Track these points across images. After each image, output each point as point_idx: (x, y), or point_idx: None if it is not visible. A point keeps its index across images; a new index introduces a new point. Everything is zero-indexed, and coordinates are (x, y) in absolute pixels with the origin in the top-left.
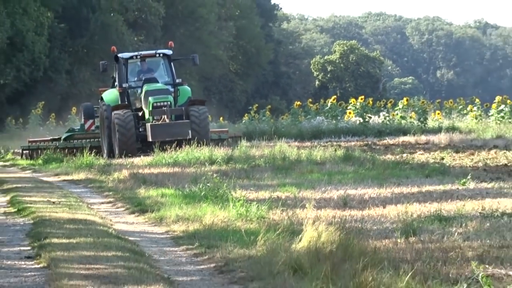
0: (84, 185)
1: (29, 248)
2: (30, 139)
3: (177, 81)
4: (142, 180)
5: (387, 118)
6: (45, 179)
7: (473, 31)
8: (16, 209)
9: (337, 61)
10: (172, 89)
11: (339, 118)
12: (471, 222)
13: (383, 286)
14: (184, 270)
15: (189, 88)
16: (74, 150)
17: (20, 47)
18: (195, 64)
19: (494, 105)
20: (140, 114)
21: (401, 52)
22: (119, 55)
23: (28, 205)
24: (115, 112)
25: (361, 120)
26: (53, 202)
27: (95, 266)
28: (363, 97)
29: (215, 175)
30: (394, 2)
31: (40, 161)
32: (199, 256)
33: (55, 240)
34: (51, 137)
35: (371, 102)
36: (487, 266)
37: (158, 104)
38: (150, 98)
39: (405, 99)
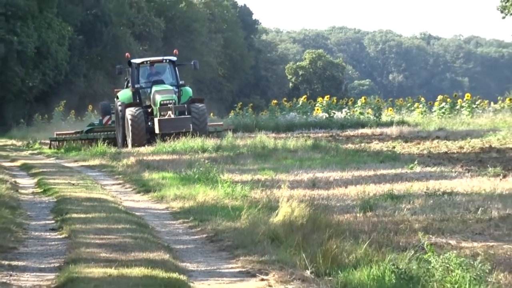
0: (98, 170)
1: (53, 221)
2: (58, 132)
3: (181, 82)
4: (146, 166)
5: (348, 114)
6: (66, 164)
7: (419, 41)
8: (42, 190)
9: (307, 66)
10: (176, 90)
11: (308, 113)
12: (417, 199)
13: (345, 253)
14: (181, 239)
15: (190, 89)
16: (94, 141)
17: (46, 55)
18: (195, 68)
19: (436, 103)
20: (149, 110)
21: (360, 59)
22: (132, 60)
23: (52, 186)
24: (128, 108)
25: (327, 116)
26: (73, 184)
27: (108, 237)
28: (328, 96)
29: (206, 161)
30: (354, 17)
31: (62, 150)
32: (193, 228)
33: (74, 215)
34: (75, 130)
35: (335, 101)
36: (430, 236)
37: (165, 102)
38: (158, 97)
39: (363, 98)
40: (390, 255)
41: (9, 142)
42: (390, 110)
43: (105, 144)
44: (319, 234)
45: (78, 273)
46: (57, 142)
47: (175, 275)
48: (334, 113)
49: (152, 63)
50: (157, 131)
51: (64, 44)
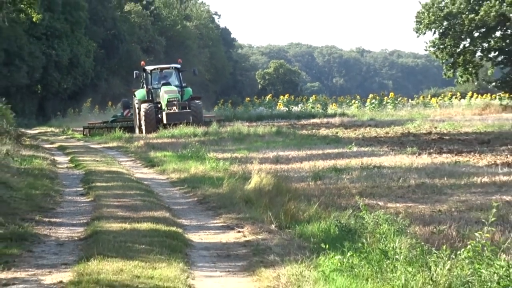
0: (116, 150)
1: (82, 189)
2: (89, 122)
3: (183, 85)
4: (152, 147)
5: (303, 108)
6: (92, 146)
7: (355, 54)
8: (74, 165)
9: (272, 73)
10: (180, 90)
11: (273, 108)
12: (354, 171)
13: (301, 211)
14: (178, 202)
15: (190, 89)
16: (116, 129)
17: (76, 64)
18: (195, 74)
19: (368, 100)
20: (159, 106)
21: (311, 67)
22: (146, 67)
23: (81, 162)
24: (143, 104)
25: (287, 109)
26: (97, 160)
27: (123, 200)
28: (287, 95)
29: (197, 143)
30: (307, 36)
31: (89, 135)
32: (187, 193)
33: (98, 184)
34: (102, 121)
35: (293, 98)
36: (364, 198)
37: (171, 99)
38: (166, 96)
39: (313, 96)
40: (334, 213)
41: (49, 129)
42: (334, 105)
43: (124, 132)
44: (281, 198)
45: (101, 227)
46: (88, 130)
47: (173, 228)
48: (292, 107)
49: (161, 69)
50: (165, 121)
51: (90, 56)
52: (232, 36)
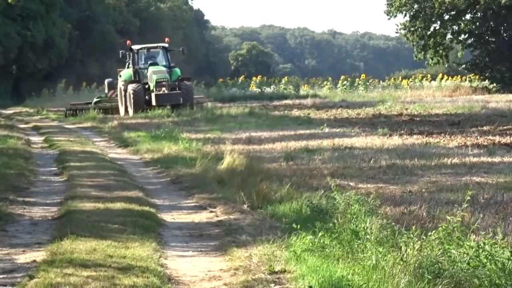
0: (90, 130)
1: (56, 168)
2: (72, 102)
3: (172, 65)
4: (125, 127)
5: (275, 89)
6: (66, 126)
7: (327, 36)
8: (48, 145)
9: (245, 54)
10: (168, 70)
11: (246, 89)
12: (326, 152)
13: (273, 192)
14: (151, 182)
15: (179, 70)
16: (101, 110)
17: (51, 45)
18: (183, 53)
19: (340, 81)
20: (146, 87)
21: (284, 48)
22: (133, 46)
23: (56, 142)
24: (130, 85)
25: (259, 90)
26: (71, 140)
27: (96, 179)
28: (260, 76)
29: (170, 124)
30: (279, 18)
31: (63, 115)
32: (161, 173)
33: (72, 164)
34: (86, 102)
35: (265, 79)
36: (336, 179)
37: (160, 80)
38: (154, 76)
39: (286, 77)
40: (306, 193)
41: (24, 109)
42: (306, 86)
43: (107, 113)
44: (254, 178)
45: (74, 207)
46: (71, 111)
47: (146, 208)
48: (265, 89)
49: (148, 48)
50: (154, 103)
51: (65, 37)
52: (205, 18)
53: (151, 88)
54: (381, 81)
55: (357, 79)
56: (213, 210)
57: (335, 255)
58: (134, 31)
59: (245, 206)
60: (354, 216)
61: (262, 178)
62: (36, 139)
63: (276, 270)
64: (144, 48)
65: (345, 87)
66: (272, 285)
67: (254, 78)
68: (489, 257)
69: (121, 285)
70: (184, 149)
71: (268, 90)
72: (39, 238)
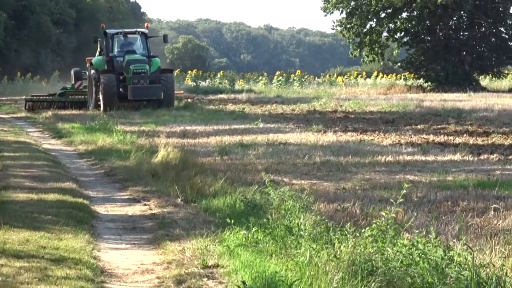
0: (24, 120)
1: None
2: (32, 94)
3: (152, 54)
4: (60, 118)
5: (210, 83)
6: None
7: (263, 31)
8: None
9: (180, 47)
10: (147, 60)
11: (181, 82)
12: (260, 147)
13: (207, 186)
14: (85, 173)
15: (159, 60)
16: (66, 104)
17: None
18: (165, 41)
19: (275, 77)
20: (121, 78)
21: (219, 43)
22: (107, 31)
23: None
24: (103, 75)
25: (195, 84)
26: (5, 130)
27: (30, 170)
28: (196, 70)
29: (105, 116)
30: (216, 12)
31: (31, 110)
32: (95, 165)
33: (5, 154)
34: (48, 93)
35: (201, 73)
36: (270, 174)
37: (137, 71)
38: (131, 66)
39: (221, 72)
40: (240, 188)
41: None
42: (241, 81)
43: (74, 108)
44: (188, 172)
45: (7, 197)
46: (32, 103)
47: (80, 200)
48: (200, 82)
49: (125, 34)
50: (130, 97)
51: (0, 27)
52: (142, 10)
53: (127, 79)
54: (316, 78)
55: (292, 75)
56: (146, 203)
57: (269, 251)
58: (70, 22)
59: (179, 200)
60: (288, 212)
61: (196, 172)
62: None
63: (209, 264)
64: (121, 33)
65: (280, 82)
66: (205, 279)
67: (189, 72)
68: (422, 255)
69: (53, 276)
70: (119, 141)
71: (203, 84)
72: None
